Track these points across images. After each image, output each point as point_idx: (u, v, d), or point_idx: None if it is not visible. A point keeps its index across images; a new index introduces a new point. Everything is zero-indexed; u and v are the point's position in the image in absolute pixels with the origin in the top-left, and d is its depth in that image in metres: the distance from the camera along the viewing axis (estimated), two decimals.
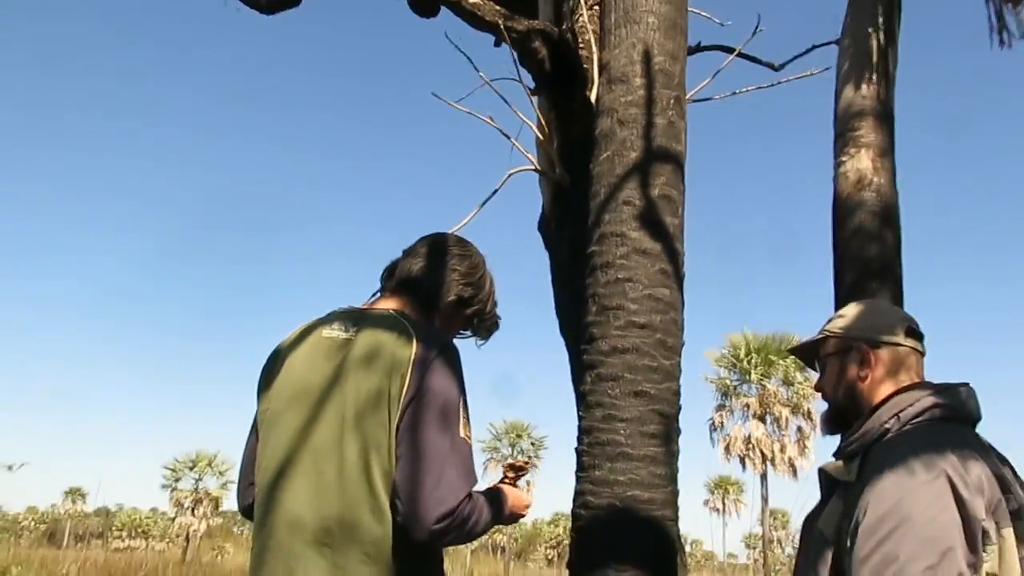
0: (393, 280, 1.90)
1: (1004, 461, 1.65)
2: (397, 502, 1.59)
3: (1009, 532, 1.51)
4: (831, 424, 1.85)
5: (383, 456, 1.61)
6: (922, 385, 1.71)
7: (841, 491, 1.69)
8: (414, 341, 1.68)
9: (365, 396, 1.64)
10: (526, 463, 1.89)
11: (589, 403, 2.28)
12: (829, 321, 1.87)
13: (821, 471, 1.80)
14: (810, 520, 1.82)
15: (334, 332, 1.75)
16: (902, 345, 1.75)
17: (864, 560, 1.49)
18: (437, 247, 1.93)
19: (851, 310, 1.84)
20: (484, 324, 1.99)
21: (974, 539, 1.47)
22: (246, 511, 1.82)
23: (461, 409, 1.67)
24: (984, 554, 1.48)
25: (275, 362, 1.80)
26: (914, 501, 1.50)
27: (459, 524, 1.59)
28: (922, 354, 1.78)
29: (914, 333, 1.78)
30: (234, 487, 1.92)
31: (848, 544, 1.55)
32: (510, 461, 1.88)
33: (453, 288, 1.89)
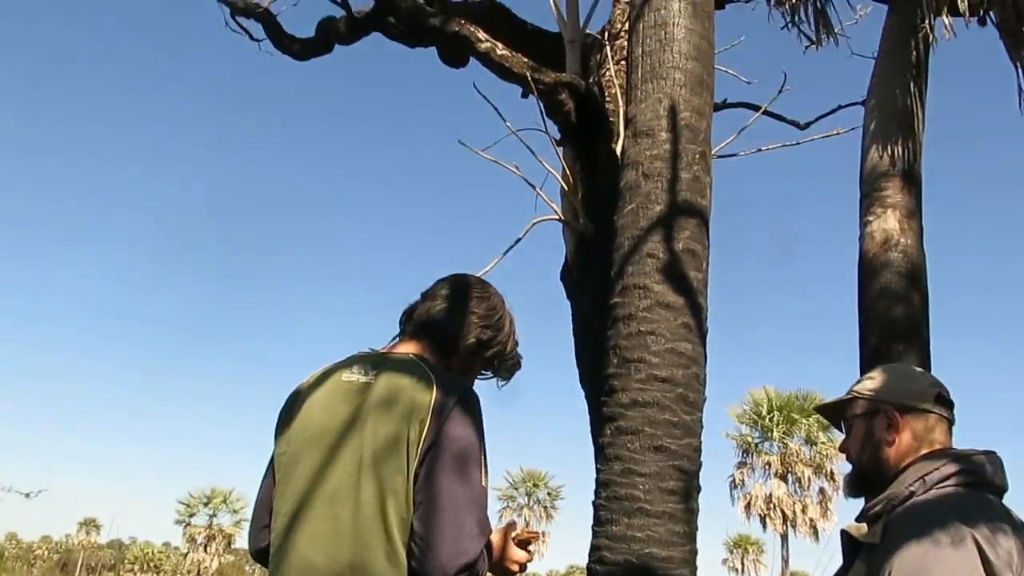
0: (412, 323, 1.90)
1: None
2: (414, 547, 1.57)
3: None
4: (854, 487, 1.83)
5: (400, 502, 1.60)
6: (949, 451, 1.69)
7: (865, 555, 1.65)
8: (434, 387, 1.67)
9: (383, 441, 1.63)
10: (533, 535, 1.87)
11: (608, 456, 2.26)
12: (857, 382, 1.85)
13: (844, 533, 1.77)
14: None
15: (354, 376, 1.75)
16: (931, 412, 1.73)
17: None
18: (456, 289, 1.93)
19: (880, 373, 1.82)
20: (505, 365, 1.98)
21: None
22: (258, 555, 1.80)
23: (481, 457, 1.66)
24: None
25: (294, 404, 1.80)
26: (941, 566, 1.46)
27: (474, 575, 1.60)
28: (951, 422, 1.75)
29: (944, 401, 1.75)
30: (247, 525, 1.91)
31: None
32: (516, 533, 1.85)
33: (472, 331, 1.88)
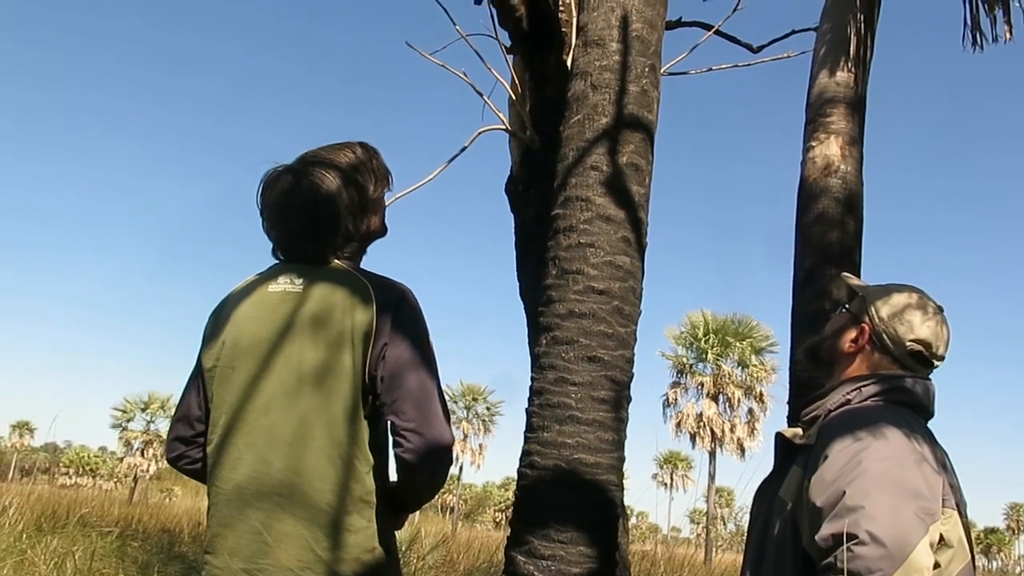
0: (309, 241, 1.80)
1: (946, 453, 1.71)
2: (402, 439, 1.62)
3: (954, 512, 1.56)
4: (807, 354, 1.96)
5: (345, 406, 1.62)
6: (885, 374, 1.76)
7: (800, 458, 1.72)
8: (372, 295, 1.68)
9: (323, 350, 1.64)
10: None
11: (542, 365, 2.29)
12: (876, 292, 1.85)
13: (779, 436, 1.84)
14: (764, 488, 1.86)
15: (280, 286, 1.72)
16: (905, 363, 1.77)
17: (820, 505, 1.53)
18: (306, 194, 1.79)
19: (891, 300, 1.81)
20: (381, 216, 1.90)
21: (934, 495, 1.51)
22: (174, 461, 1.82)
23: (432, 352, 1.71)
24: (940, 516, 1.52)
25: (219, 318, 1.76)
26: (875, 452, 1.54)
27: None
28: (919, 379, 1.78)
29: (925, 362, 1.78)
30: None
31: (806, 497, 1.59)
32: None
33: (345, 222, 1.79)
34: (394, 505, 1.71)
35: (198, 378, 1.76)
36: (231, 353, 1.69)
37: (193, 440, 1.78)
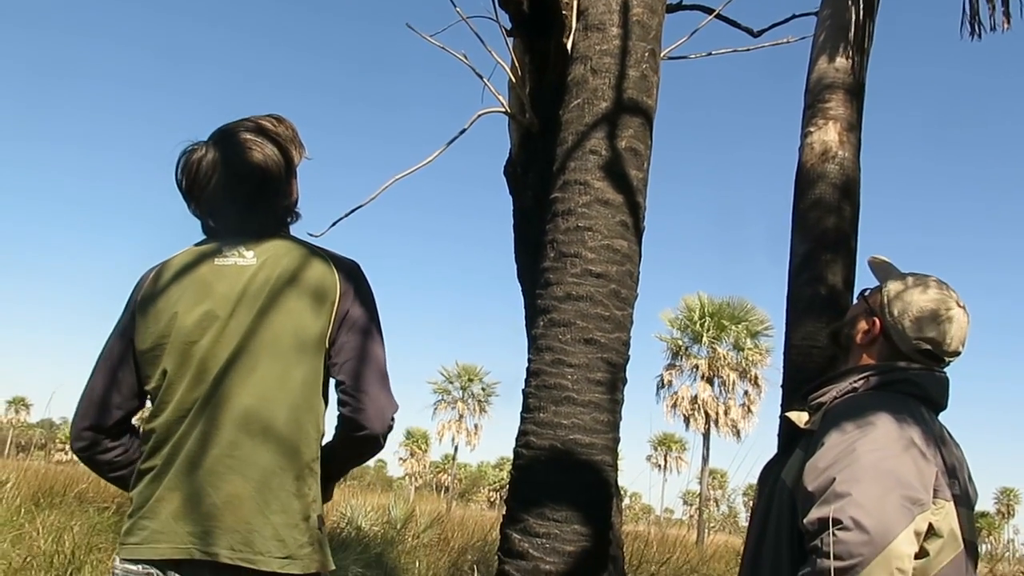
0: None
1: (958, 447, 1.74)
2: (350, 399, 1.66)
3: (948, 503, 1.59)
4: (830, 338, 2.03)
5: (307, 375, 1.66)
6: (897, 366, 1.78)
7: (804, 442, 1.75)
8: (329, 260, 1.74)
9: (290, 319, 1.66)
10: None
11: (539, 347, 2.32)
12: (896, 284, 1.87)
13: (785, 419, 1.86)
14: (768, 470, 1.89)
15: (229, 260, 1.71)
16: (913, 359, 1.79)
17: (811, 489, 1.56)
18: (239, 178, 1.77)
19: (906, 296, 1.83)
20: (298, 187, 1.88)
21: (924, 486, 1.55)
22: (84, 451, 1.75)
23: (380, 322, 1.77)
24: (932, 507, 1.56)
25: (155, 293, 1.71)
26: (870, 442, 1.57)
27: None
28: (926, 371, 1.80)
29: (936, 360, 1.80)
30: None
31: (801, 481, 1.62)
32: None
33: (283, 189, 1.80)
34: (325, 471, 1.72)
35: (121, 361, 1.71)
36: (187, 329, 1.66)
37: (108, 430, 1.73)
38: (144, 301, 1.72)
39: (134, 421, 1.81)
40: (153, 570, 1.57)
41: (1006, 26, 3.32)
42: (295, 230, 1.86)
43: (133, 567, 1.59)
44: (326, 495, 1.75)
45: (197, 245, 1.78)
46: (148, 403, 1.76)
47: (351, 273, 1.75)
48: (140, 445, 1.72)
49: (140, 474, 1.67)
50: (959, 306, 1.80)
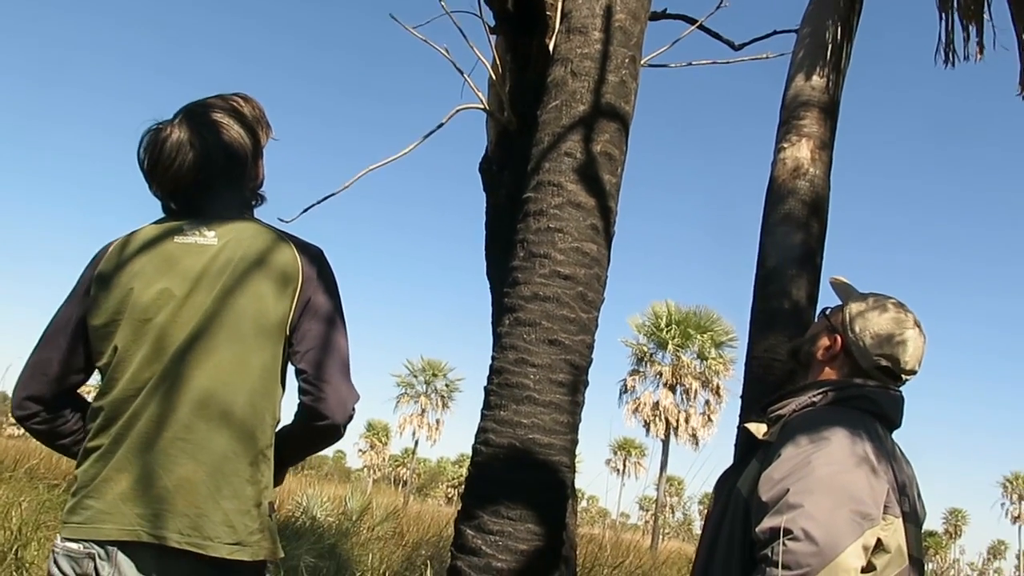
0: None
1: (909, 465, 1.78)
2: (311, 387, 1.66)
3: (896, 519, 1.63)
4: (790, 355, 2.09)
5: (265, 359, 1.65)
6: (854, 382, 1.82)
7: (761, 453, 1.78)
8: (291, 244, 1.73)
9: (248, 297, 1.65)
10: None
11: (503, 345, 2.32)
12: (856, 302, 1.91)
13: (744, 429, 1.89)
14: (725, 478, 1.92)
15: (189, 238, 1.69)
16: (872, 375, 1.83)
17: (765, 500, 1.59)
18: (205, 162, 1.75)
19: (867, 316, 1.87)
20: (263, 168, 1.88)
21: (875, 502, 1.58)
22: (24, 420, 1.74)
23: (343, 310, 1.77)
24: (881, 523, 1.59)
25: (110, 270, 1.69)
26: (825, 456, 1.60)
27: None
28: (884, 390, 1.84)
29: (893, 378, 1.84)
30: None
31: (756, 491, 1.65)
32: None
33: (250, 170, 1.80)
34: (279, 456, 1.71)
35: (73, 334, 1.69)
36: (143, 305, 1.63)
37: (51, 402, 1.72)
38: (103, 275, 1.69)
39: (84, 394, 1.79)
40: (95, 549, 1.55)
41: (979, 56, 3.39)
42: (264, 213, 1.85)
43: (74, 546, 1.56)
44: (278, 480, 1.75)
45: (157, 223, 1.76)
46: (95, 379, 1.74)
47: (315, 259, 1.74)
48: (88, 422, 1.69)
49: (86, 452, 1.64)
50: (916, 327, 1.84)
